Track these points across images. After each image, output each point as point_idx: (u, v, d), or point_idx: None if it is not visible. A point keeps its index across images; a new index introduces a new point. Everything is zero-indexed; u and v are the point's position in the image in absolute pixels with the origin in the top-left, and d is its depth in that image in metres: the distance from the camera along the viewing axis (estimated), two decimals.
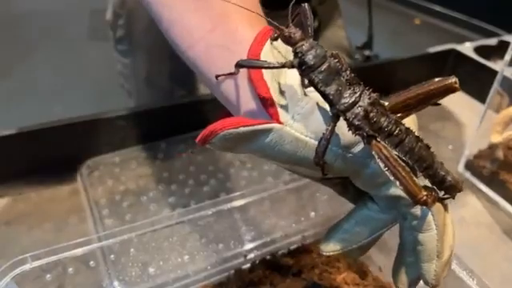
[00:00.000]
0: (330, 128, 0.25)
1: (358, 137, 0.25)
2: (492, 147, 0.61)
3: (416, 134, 0.26)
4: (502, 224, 0.57)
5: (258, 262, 0.48)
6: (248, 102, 0.27)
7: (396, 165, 0.24)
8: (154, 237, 0.43)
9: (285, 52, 0.27)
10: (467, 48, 0.82)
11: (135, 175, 0.60)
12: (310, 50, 0.24)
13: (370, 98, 0.25)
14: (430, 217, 0.27)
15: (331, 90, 0.24)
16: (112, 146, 0.62)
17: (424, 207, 0.26)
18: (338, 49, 0.71)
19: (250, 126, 0.25)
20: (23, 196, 0.57)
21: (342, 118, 0.25)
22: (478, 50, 0.82)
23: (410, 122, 0.27)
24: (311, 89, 0.26)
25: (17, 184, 0.57)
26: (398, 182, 0.24)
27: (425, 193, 0.24)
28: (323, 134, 0.25)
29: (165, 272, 0.44)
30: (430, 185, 0.27)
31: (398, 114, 0.26)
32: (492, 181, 0.60)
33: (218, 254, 0.47)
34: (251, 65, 0.25)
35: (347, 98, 0.24)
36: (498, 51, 0.84)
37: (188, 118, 0.66)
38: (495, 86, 0.59)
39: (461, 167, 0.63)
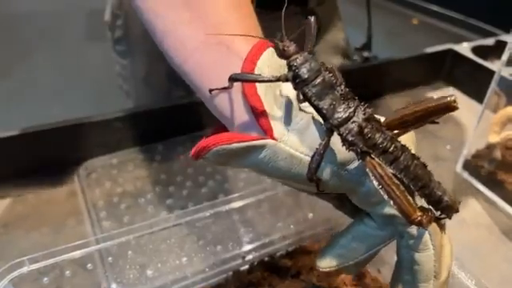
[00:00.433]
0: (323, 143, 0.24)
1: (353, 153, 0.25)
2: (490, 147, 0.61)
3: (413, 151, 0.25)
4: (501, 225, 0.57)
5: (256, 263, 0.48)
6: (242, 117, 0.26)
7: (390, 183, 0.24)
8: (152, 239, 0.42)
9: (282, 64, 0.26)
10: (465, 48, 0.82)
11: (133, 177, 0.59)
12: (304, 63, 0.24)
13: (364, 114, 0.24)
14: (426, 236, 0.27)
15: (325, 104, 0.24)
16: (109, 147, 0.62)
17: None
18: (337, 50, 0.71)
19: (244, 142, 0.25)
20: (21, 198, 0.57)
21: (336, 134, 0.25)
22: (476, 50, 0.82)
23: (408, 138, 0.27)
24: (307, 103, 0.25)
25: (14, 186, 0.57)
26: (391, 202, 0.24)
27: (419, 213, 0.24)
28: (316, 149, 0.24)
29: (163, 274, 0.44)
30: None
31: (395, 131, 0.26)
32: (490, 181, 0.60)
33: (216, 256, 0.46)
34: (245, 79, 0.25)
35: (341, 113, 0.24)
36: (496, 51, 0.84)
37: (186, 120, 0.66)
38: (493, 86, 0.59)
39: (459, 167, 0.63)
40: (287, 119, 0.25)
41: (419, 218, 0.24)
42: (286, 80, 0.25)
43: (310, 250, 0.50)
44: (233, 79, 0.25)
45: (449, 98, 0.24)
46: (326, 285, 0.47)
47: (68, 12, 2.03)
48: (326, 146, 0.24)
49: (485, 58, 0.81)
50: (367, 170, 0.24)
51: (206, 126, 0.67)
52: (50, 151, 0.59)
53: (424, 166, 0.25)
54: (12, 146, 0.56)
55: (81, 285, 0.44)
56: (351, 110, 0.24)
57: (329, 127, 0.25)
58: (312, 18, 0.26)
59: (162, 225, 0.40)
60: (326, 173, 0.26)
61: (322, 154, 0.24)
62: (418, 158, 0.25)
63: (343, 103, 0.24)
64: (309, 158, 0.25)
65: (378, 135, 0.24)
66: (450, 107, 0.24)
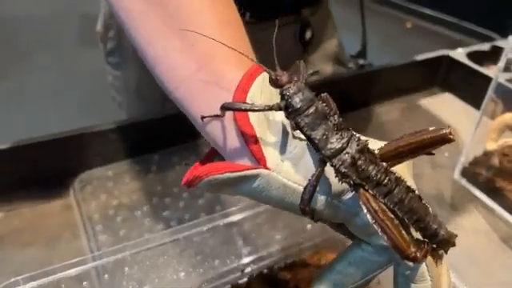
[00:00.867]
0: (316, 174, 0.24)
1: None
2: (487, 154, 0.61)
3: (409, 181, 0.25)
4: (500, 232, 0.56)
5: (254, 276, 0.47)
6: (234, 145, 0.26)
7: (384, 218, 0.23)
8: (149, 255, 0.42)
9: (275, 90, 0.26)
10: (460, 54, 0.82)
11: (128, 189, 0.59)
12: (297, 93, 0.24)
13: (358, 145, 0.24)
14: (423, 268, 0.26)
15: (317, 134, 0.24)
16: (104, 159, 0.61)
17: None
18: (332, 58, 0.71)
19: (236, 171, 0.24)
20: (15, 212, 0.56)
21: (329, 165, 0.24)
22: (471, 55, 0.82)
23: (403, 168, 0.26)
24: None
25: (8, 199, 0.56)
26: (385, 237, 0.23)
27: (413, 249, 0.23)
28: (309, 180, 0.24)
29: None
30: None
31: (390, 162, 0.25)
32: (488, 188, 0.60)
33: (215, 270, 0.46)
34: (237, 108, 0.24)
35: (334, 144, 0.24)
36: (491, 56, 0.84)
37: (180, 130, 0.64)
38: (490, 92, 0.59)
39: (457, 174, 0.63)
40: (281, 147, 0.25)
41: (413, 254, 0.23)
42: (279, 109, 0.24)
43: (308, 262, 0.49)
44: (225, 108, 0.25)
45: (444, 131, 0.24)
46: None
47: (62, 17, 2.02)
48: (319, 177, 0.24)
49: (480, 63, 0.81)
50: (360, 203, 0.24)
51: (200, 136, 0.67)
52: (44, 164, 0.58)
53: (419, 198, 0.25)
54: (4, 159, 0.56)
55: None
56: (344, 140, 0.24)
57: (321, 158, 0.24)
58: (301, 62, 0.26)
59: (159, 241, 0.39)
60: (319, 203, 0.25)
61: (315, 185, 0.24)
62: (414, 191, 0.25)
63: (336, 134, 0.24)
64: (302, 189, 0.24)
65: (371, 167, 0.24)
66: (445, 139, 0.24)
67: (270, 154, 0.25)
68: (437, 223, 0.25)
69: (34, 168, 0.58)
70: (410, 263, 0.26)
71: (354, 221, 0.26)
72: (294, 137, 0.26)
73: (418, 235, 0.26)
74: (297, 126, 0.24)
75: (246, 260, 0.47)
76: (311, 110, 0.24)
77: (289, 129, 0.26)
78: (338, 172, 0.24)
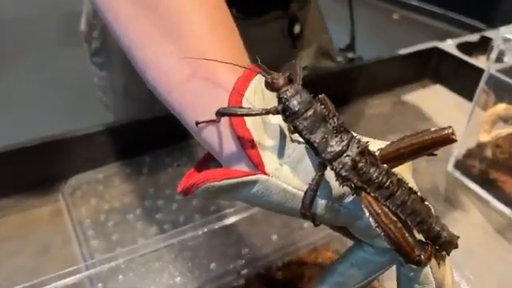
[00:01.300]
0: (316, 178, 0.23)
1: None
2: (481, 146, 0.61)
3: (410, 183, 0.24)
4: (495, 223, 0.56)
5: (252, 277, 0.47)
6: (230, 150, 0.25)
7: (387, 222, 0.23)
8: (143, 261, 0.41)
9: (268, 94, 0.25)
10: (449, 45, 0.82)
11: (120, 192, 0.58)
12: (295, 95, 0.23)
13: (358, 147, 0.23)
14: (427, 269, 0.26)
15: (316, 137, 0.23)
16: (94, 162, 0.60)
17: None
18: (322, 53, 0.70)
19: (234, 178, 0.24)
20: (3, 219, 0.54)
21: (329, 169, 0.24)
22: (461, 46, 0.82)
23: (404, 169, 0.26)
24: None
25: None
26: (388, 241, 0.23)
27: (418, 252, 0.23)
28: (309, 184, 0.23)
29: None
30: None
31: (391, 164, 0.24)
32: (482, 180, 0.60)
33: (211, 273, 0.45)
34: (233, 113, 0.24)
35: (334, 147, 0.23)
36: (480, 47, 0.84)
37: (171, 130, 0.63)
38: (481, 84, 0.59)
39: (450, 167, 0.63)
40: (279, 151, 0.24)
41: (418, 258, 0.23)
42: (277, 113, 0.24)
43: (305, 261, 0.49)
44: (221, 114, 0.24)
45: (446, 131, 0.23)
46: None
47: (45, 17, 1.98)
48: (320, 181, 0.23)
49: (470, 54, 0.81)
50: (362, 206, 0.23)
51: (191, 136, 0.65)
52: (31, 169, 0.57)
53: (422, 200, 0.24)
54: None
55: None
56: (344, 143, 0.23)
57: (321, 162, 0.23)
58: (296, 63, 0.25)
59: (153, 246, 0.39)
60: (320, 207, 0.24)
61: (316, 189, 0.23)
62: (416, 192, 0.24)
63: (336, 136, 0.23)
64: (302, 193, 0.24)
65: (372, 170, 0.23)
66: (448, 140, 0.23)
67: (269, 158, 0.24)
68: (439, 225, 0.25)
69: (21, 173, 0.56)
70: (414, 266, 0.25)
71: (355, 224, 0.26)
72: (292, 140, 0.25)
73: (420, 237, 0.25)
74: (295, 130, 0.24)
75: (242, 261, 0.47)
76: (309, 112, 0.23)
77: (286, 132, 0.25)
78: (338, 175, 0.23)
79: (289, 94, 0.23)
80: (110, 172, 0.60)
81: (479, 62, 0.80)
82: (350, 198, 0.25)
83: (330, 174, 0.24)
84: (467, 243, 0.53)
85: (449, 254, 0.26)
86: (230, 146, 0.25)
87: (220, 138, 0.25)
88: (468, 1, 1.99)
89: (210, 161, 0.28)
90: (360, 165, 0.23)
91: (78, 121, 0.66)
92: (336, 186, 0.24)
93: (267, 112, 0.23)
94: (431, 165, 0.64)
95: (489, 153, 0.60)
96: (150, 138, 0.63)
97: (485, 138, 0.59)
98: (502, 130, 0.60)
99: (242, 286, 0.46)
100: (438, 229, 0.24)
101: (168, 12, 0.27)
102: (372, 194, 0.23)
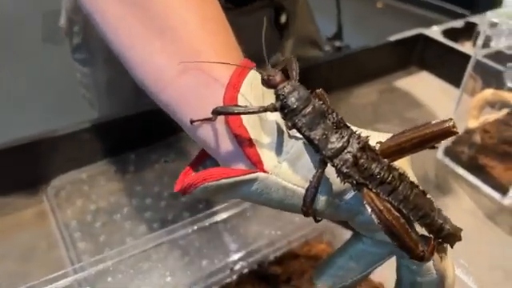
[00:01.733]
0: (317, 175, 0.23)
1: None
2: (469, 132, 0.61)
3: (410, 176, 0.24)
4: (485, 209, 0.57)
5: (244, 273, 0.46)
6: (227, 148, 0.24)
7: (390, 218, 0.22)
8: (132, 262, 0.40)
9: (264, 89, 0.25)
10: (435, 32, 0.82)
11: (106, 192, 0.56)
12: (292, 92, 0.22)
13: (359, 143, 0.23)
14: (429, 262, 0.25)
15: (316, 134, 0.22)
16: (78, 162, 0.58)
17: None
18: (309, 42, 0.69)
19: (233, 177, 0.23)
20: None
21: (330, 165, 0.23)
22: (446, 32, 0.81)
23: (404, 162, 0.25)
24: None
25: None
26: (391, 237, 0.22)
27: (421, 248, 0.23)
28: (310, 181, 0.23)
29: None
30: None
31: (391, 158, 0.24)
32: (471, 166, 0.60)
33: (203, 271, 0.44)
34: (230, 112, 0.23)
35: (334, 143, 0.22)
36: (465, 33, 0.84)
37: (157, 126, 0.62)
38: (468, 70, 0.59)
39: (440, 154, 0.62)
40: (277, 149, 0.24)
41: (421, 254, 0.23)
42: (274, 110, 0.23)
43: (298, 253, 0.48)
44: (217, 112, 0.23)
45: (447, 124, 0.23)
46: None
47: (23, 15, 1.93)
48: (320, 178, 0.23)
49: (455, 40, 0.81)
50: (364, 203, 0.23)
51: (179, 131, 0.64)
52: (12, 171, 0.55)
53: (424, 193, 0.24)
54: None
55: None
56: (345, 139, 0.23)
57: (322, 158, 0.23)
58: (292, 58, 0.24)
59: (142, 247, 0.37)
60: (321, 203, 0.24)
61: (317, 186, 0.23)
62: (417, 186, 0.24)
63: (336, 132, 0.23)
64: (302, 190, 0.23)
65: (374, 165, 0.23)
66: (449, 132, 0.23)
67: (267, 156, 0.23)
68: (442, 218, 0.24)
69: (1, 175, 0.54)
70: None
71: (356, 218, 0.25)
72: (290, 136, 0.24)
73: (422, 231, 0.25)
74: (294, 127, 0.23)
75: (234, 257, 0.46)
76: (308, 109, 0.22)
77: (284, 128, 0.24)
78: (339, 172, 0.23)
79: (286, 90, 0.23)
80: (94, 171, 0.58)
81: (465, 47, 0.80)
82: (350, 194, 0.24)
83: (329, 170, 0.23)
84: None
85: (452, 247, 0.25)
86: (226, 144, 0.24)
87: (216, 136, 0.25)
88: None
89: (205, 158, 0.27)
90: (361, 161, 0.22)
91: (60, 119, 0.64)
92: (336, 182, 0.24)
93: (265, 110, 0.23)
94: (420, 152, 0.64)
95: (477, 138, 0.60)
96: (135, 134, 0.61)
97: (473, 123, 0.59)
98: (490, 116, 0.60)
99: (235, 283, 0.45)
100: (440, 222, 0.24)
101: (156, 8, 0.26)
102: (374, 190, 0.23)
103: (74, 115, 0.64)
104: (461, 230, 0.25)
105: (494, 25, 0.56)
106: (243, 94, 0.23)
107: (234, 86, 0.24)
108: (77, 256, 0.48)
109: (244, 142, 0.23)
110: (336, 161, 0.22)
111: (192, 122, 0.24)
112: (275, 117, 0.24)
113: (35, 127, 0.59)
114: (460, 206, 0.57)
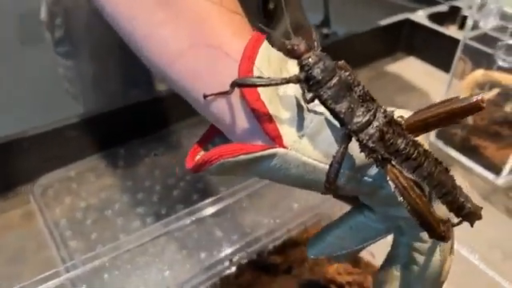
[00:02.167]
0: (341, 150, 0.22)
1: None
2: None
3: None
4: (479, 189, 0.57)
5: (244, 264, 0.45)
6: (244, 124, 0.23)
7: (414, 196, 0.22)
8: (128, 257, 0.38)
9: (282, 59, 0.24)
10: (420, 16, 0.82)
11: (95, 188, 0.54)
12: (318, 62, 0.21)
13: (385, 117, 0.22)
14: (437, 242, 0.25)
15: (342, 107, 0.21)
16: (65, 159, 0.56)
17: None
18: (299, 29, 0.68)
19: (251, 153, 0.22)
20: None
21: (354, 140, 0.22)
22: (431, 17, 0.81)
23: (422, 139, 0.25)
24: (316, 102, 0.22)
25: None
26: (413, 215, 0.22)
27: (443, 228, 0.22)
28: (333, 156, 0.22)
29: None
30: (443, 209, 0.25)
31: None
32: (465, 147, 0.60)
33: (202, 263, 0.43)
34: (250, 83, 0.21)
35: (360, 117, 0.21)
36: (450, 17, 0.84)
37: (146, 119, 0.61)
38: (458, 54, 0.59)
39: (433, 137, 0.62)
40: (297, 123, 0.23)
41: (443, 233, 0.22)
42: (298, 81, 0.22)
43: (298, 241, 0.47)
44: (236, 84, 0.22)
45: (476, 98, 0.22)
46: (321, 277, 0.44)
47: None
48: (344, 153, 0.22)
49: (441, 24, 0.81)
50: (388, 179, 0.22)
51: (169, 123, 0.63)
52: None
53: (447, 170, 0.23)
54: None
55: None
56: (371, 113, 0.22)
57: (347, 132, 0.22)
58: (311, 28, 0.24)
59: (138, 241, 0.36)
60: (342, 179, 0.23)
61: (341, 162, 0.22)
62: (441, 163, 0.23)
63: (362, 106, 0.22)
64: (323, 165, 0.23)
65: (400, 140, 0.22)
66: (477, 107, 0.22)
67: (286, 131, 0.22)
68: (463, 196, 0.24)
69: None
70: (426, 236, 0.25)
71: (377, 193, 0.24)
72: (309, 110, 0.23)
73: (440, 210, 0.24)
74: (319, 100, 0.22)
75: (233, 248, 0.45)
76: (334, 80, 0.21)
77: (302, 102, 0.23)
78: (364, 147, 0.22)
79: (311, 60, 0.21)
80: (83, 168, 0.57)
81: (450, 31, 0.80)
82: (373, 168, 0.24)
83: (352, 144, 0.22)
84: None
85: (472, 226, 0.25)
86: (242, 119, 0.23)
87: (231, 111, 0.23)
88: None
89: (213, 135, 0.26)
90: (387, 136, 0.21)
91: (44, 116, 0.62)
92: (359, 156, 0.23)
93: (287, 81, 0.22)
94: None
95: (469, 120, 0.59)
96: (123, 128, 0.59)
97: None
98: None
99: (234, 274, 0.44)
100: (462, 200, 0.23)
101: None
102: (397, 166, 0.22)
103: (58, 112, 0.62)
104: (481, 208, 0.24)
105: (482, 5, 0.56)
106: (259, 66, 0.22)
107: (249, 58, 0.22)
108: (69, 255, 0.46)
109: (262, 117, 0.22)
110: (362, 135, 0.22)
111: (205, 96, 0.23)
112: (293, 91, 0.23)
113: (18, 126, 0.57)
114: None
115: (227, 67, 0.23)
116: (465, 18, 0.81)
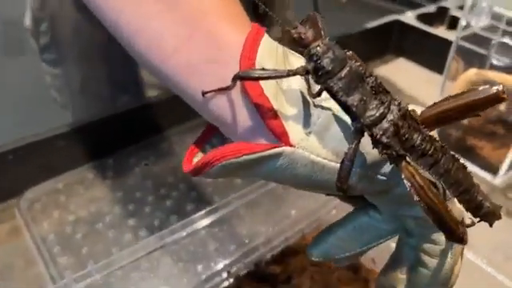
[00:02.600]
0: (353, 147, 0.20)
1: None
2: None
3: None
4: None
5: (242, 275, 0.43)
6: (246, 122, 0.22)
7: (431, 195, 0.20)
8: (121, 274, 0.36)
9: (284, 53, 0.22)
10: (409, 17, 0.82)
11: (85, 201, 0.52)
12: (327, 52, 0.20)
13: (400, 110, 0.20)
14: (447, 244, 0.24)
15: (354, 100, 0.20)
16: (51, 171, 0.54)
17: None
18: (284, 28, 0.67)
19: (255, 152, 0.21)
20: None
21: (367, 135, 0.21)
22: (420, 17, 0.81)
23: (434, 134, 0.23)
24: (322, 97, 0.21)
25: None
26: (431, 216, 0.20)
27: (462, 229, 0.21)
28: (345, 153, 0.20)
29: None
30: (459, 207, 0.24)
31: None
32: (460, 148, 0.59)
33: (199, 276, 0.41)
34: (254, 76, 0.20)
35: (373, 110, 0.20)
36: (438, 17, 0.84)
37: (136, 127, 0.59)
38: (451, 54, 0.58)
39: None
40: (304, 119, 0.21)
41: (462, 235, 0.21)
42: (306, 73, 0.20)
43: (297, 249, 0.46)
44: (239, 78, 0.20)
45: (495, 89, 0.21)
46: (321, 286, 0.43)
47: None
48: (356, 150, 0.20)
49: (430, 24, 0.81)
50: (403, 177, 0.21)
51: (159, 130, 0.61)
52: None
53: (464, 167, 0.22)
54: None
55: None
56: (385, 105, 0.20)
57: (359, 127, 0.20)
58: (316, 15, 0.21)
59: (131, 257, 0.34)
60: (354, 178, 0.22)
61: (353, 159, 0.20)
62: (458, 160, 0.22)
63: (375, 98, 0.20)
64: (333, 164, 0.21)
65: (415, 135, 0.20)
66: (497, 98, 0.21)
67: (293, 128, 0.21)
68: (481, 194, 0.22)
69: None
70: (441, 238, 0.24)
71: (391, 191, 0.23)
72: (315, 105, 0.22)
73: (455, 209, 0.23)
74: (329, 92, 0.20)
75: (230, 259, 0.43)
76: (345, 71, 0.20)
77: (308, 97, 0.22)
78: (378, 143, 0.20)
79: (320, 50, 0.20)
80: (70, 179, 0.54)
81: (439, 31, 0.80)
82: (386, 165, 0.22)
83: (363, 140, 0.21)
84: None
85: (491, 226, 0.24)
86: (244, 116, 0.22)
87: (232, 108, 0.22)
88: None
89: (211, 135, 0.25)
90: (403, 130, 0.20)
91: (31, 126, 0.59)
92: (371, 152, 0.21)
93: (294, 73, 0.20)
94: None
95: (464, 120, 0.59)
96: (111, 137, 0.57)
97: None
98: None
99: (233, 286, 0.43)
100: (480, 198, 0.22)
101: None
102: (413, 164, 0.21)
103: (46, 122, 0.60)
104: (500, 207, 0.23)
105: (474, 4, 0.55)
106: (260, 60, 0.21)
107: (250, 50, 0.21)
108: (58, 272, 0.44)
109: (266, 113, 0.20)
110: (375, 130, 0.20)
111: (204, 93, 0.21)
112: (298, 84, 0.22)
113: (2, 137, 0.54)
114: None
115: (227, 60, 0.21)
116: (453, 17, 0.82)
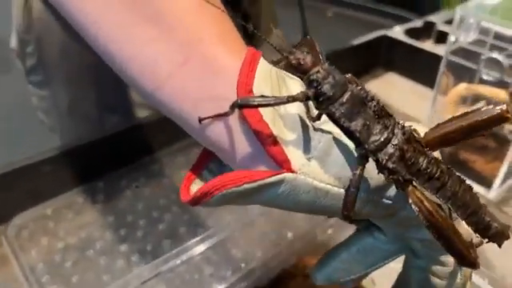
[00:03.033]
0: (357, 173, 0.20)
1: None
2: None
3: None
4: None
5: None
6: (246, 148, 0.21)
7: (440, 220, 0.20)
8: None
9: (281, 77, 0.22)
10: (397, 32, 0.82)
11: (74, 226, 0.51)
12: (327, 77, 0.20)
13: (404, 134, 0.20)
14: (459, 267, 0.24)
15: (357, 125, 0.20)
16: (39, 196, 0.52)
17: None
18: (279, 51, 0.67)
19: (256, 180, 0.20)
20: None
21: (372, 160, 0.20)
22: (407, 32, 0.82)
23: (437, 155, 0.23)
24: (321, 120, 0.21)
25: None
26: (441, 242, 0.20)
27: (474, 254, 0.21)
28: (350, 180, 0.20)
29: None
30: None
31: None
32: (452, 162, 0.59)
33: None
34: (253, 104, 0.19)
35: (377, 135, 0.20)
36: (425, 32, 0.85)
37: (126, 148, 0.58)
38: (442, 69, 0.58)
39: None
40: (304, 144, 0.21)
41: (473, 260, 0.21)
42: (307, 99, 0.20)
43: (294, 273, 0.45)
44: (238, 106, 0.20)
45: (499, 109, 0.21)
46: None
47: None
48: (361, 176, 0.20)
49: (417, 38, 0.82)
50: (411, 203, 0.20)
51: (150, 152, 0.60)
52: None
53: (470, 189, 0.22)
54: None
55: None
56: (389, 130, 0.20)
57: (364, 153, 0.20)
58: (311, 39, 0.22)
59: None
60: (359, 204, 0.21)
61: (358, 186, 0.20)
62: (464, 181, 0.22)
63: (378, 122, 0.20)
64: (337, 189, 0.21)
65: (421, 159, 0.20)
66: (502, 118, 0.21)
67: (293, 154, 0.20)
68: (489, 215, 0.22)
69: None
70: (450, 259, 0.23)
71: (396, 215, 0.23)
72: (315, 129, 0.21)
73: (461, 229, 0.22)
74: (330, 118, 0.20)
75: (226, 285, 0.42)
76: (346, 96, 0.20)
77: (307, 121, 0.21)
78: (383, 168, 0.20)
79: (320, 75, 0.20)
80: (59, 204, 0.53)
81: (426, 45, 0.81)
82: (392, 189, 0.22)
83: (367, 165, 0.21)
84: None
85: (500, 246, 0.23)
86: (243, 143, 0.21)
87: (230, 135, 0.21)
88: None
89: (208, 160, 0.24)
90: (408, 154, 0.20)
91: (18, 151, 0.58)
92: (375, 177, 0.21)
93: (293, 99, 0.20)
94: None
95: None
96: (101, 160, 0.56)
97: None
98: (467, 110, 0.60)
99: None
100: (488, 219, 0.22)
101: None
102: (419, 187, 0.20)
103: (33, 145, 0.58)
104: (509, 227, 0.23)
105: (462, 20, 0.56)
106: (257, 86, 0.20)
107: (247, 76, 0.20)
108: None
109: (265, 139, 0.20)
110: (380, 155, 0.20)
111: (201, 120, 0.21)
112: (296, 109, 0.21)
113: None
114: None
115: (223, 85, 0.21)
116: (440, 32, 0.83)
